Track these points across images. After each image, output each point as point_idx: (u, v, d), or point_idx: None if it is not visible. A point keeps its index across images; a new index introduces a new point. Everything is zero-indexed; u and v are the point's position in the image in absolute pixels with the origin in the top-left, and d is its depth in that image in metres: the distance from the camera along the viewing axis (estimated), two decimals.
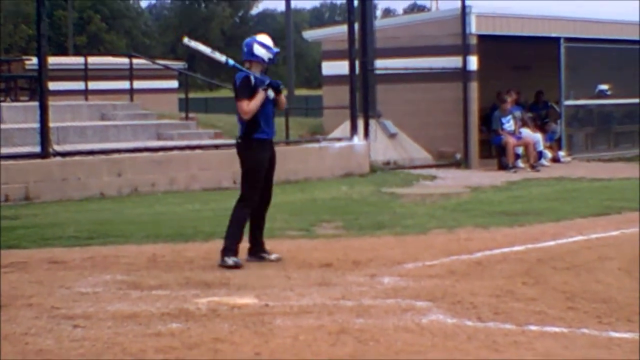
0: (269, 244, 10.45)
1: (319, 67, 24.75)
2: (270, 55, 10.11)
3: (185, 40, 10.36)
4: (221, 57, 10.25)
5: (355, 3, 21.27)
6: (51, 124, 16.14)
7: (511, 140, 21.34)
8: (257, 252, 10.19)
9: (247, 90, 9.94)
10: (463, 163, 22.04)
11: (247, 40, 10.25)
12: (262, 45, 10.05)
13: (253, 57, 10.08)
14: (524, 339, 6.92)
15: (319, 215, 13.36)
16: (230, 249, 9.90)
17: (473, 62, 22.04)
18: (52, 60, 19.09)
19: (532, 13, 23.44)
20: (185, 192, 16.82)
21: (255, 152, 10.07)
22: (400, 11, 77.00)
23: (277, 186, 17.52)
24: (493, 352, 6.62)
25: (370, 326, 7.26)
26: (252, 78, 9.99)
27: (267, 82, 9.98)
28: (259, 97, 9.94)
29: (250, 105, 9.91)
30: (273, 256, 10.18)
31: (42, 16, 16.15)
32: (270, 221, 12.86)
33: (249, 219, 10.13)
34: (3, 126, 17.09)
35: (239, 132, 10.18)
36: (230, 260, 9.80)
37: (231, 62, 10.15)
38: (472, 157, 22.21)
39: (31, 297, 8.37)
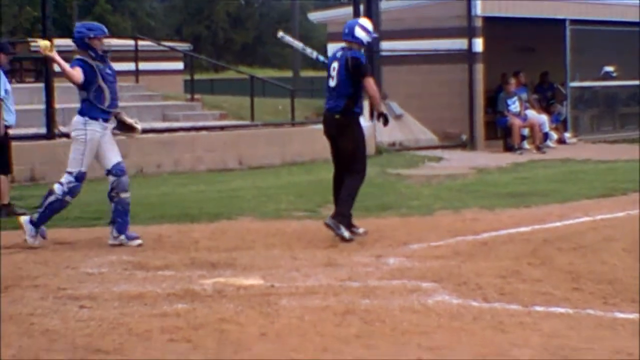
0: (275, 225, 10.42)
1: (325, 49, 24.69)
2: (369, 39, 10.50)
3: (280, 34, 10.60)
4: (312, 54, 10.57)
5: None
6: (57, 106, 16.17)
7: (517, 122, 21.30)
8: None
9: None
10: (469, 144, 22.01)
11: (350, 22, 10.76)
12: (363, 28, 10.43)
13: (353, 39, 10.42)
14: (530, 320, 6.93)
15: (325, 197, 13.27)
16: (346, 215, 10.18)
17: (479, 44, 21.96)
18: (58, 41, 19.03)
19: None
20: (191, 173, 16.82)
21: (359, 124, 10.41)
22: None
23: (282, 167, 17.75)
24: (499, 333, 6.63)
25: (376, 307, 7.26)
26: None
27: None
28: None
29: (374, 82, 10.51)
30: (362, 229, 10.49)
31: None
32: (276, 202, 12.96)
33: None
34: None
35: (336, 108, 10.32)
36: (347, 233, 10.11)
37: (322, 57, 10.62)
38: (478, 138, 22.18)
39: (37, 278, 8.40)
